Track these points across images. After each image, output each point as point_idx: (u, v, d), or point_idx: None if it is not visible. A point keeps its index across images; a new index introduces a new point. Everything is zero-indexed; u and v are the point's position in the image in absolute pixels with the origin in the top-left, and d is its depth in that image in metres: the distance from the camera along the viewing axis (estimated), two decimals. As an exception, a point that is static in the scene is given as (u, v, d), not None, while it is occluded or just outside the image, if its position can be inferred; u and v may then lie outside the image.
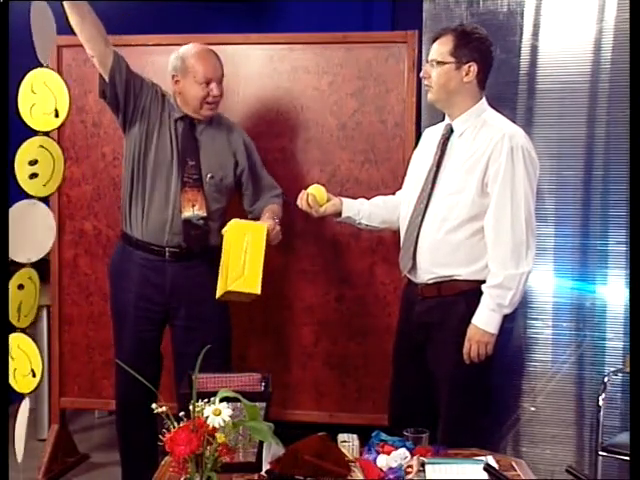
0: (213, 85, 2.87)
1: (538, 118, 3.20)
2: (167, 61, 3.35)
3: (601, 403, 2.93)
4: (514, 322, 3.25)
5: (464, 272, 2.56)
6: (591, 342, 3.19)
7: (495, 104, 3.15)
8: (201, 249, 2.92)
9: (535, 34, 3.19)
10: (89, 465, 3.71)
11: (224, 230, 2.80)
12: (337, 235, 3.29)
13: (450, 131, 2.63)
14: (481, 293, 2.53)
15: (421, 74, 2.65)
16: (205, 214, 2.89)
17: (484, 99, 2.65)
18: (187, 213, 2.88)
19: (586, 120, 3.15)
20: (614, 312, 3.15)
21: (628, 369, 2.89)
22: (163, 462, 2.11)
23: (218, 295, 2.73)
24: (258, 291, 2.67)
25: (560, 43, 3.15)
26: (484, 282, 2.54)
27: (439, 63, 2.56)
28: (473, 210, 2.54)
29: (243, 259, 2.66)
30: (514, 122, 3.10)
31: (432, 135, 2.75)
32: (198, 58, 2.90)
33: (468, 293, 2.55)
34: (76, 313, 3.47)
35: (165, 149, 2.90)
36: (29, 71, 2.93)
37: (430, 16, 3.29)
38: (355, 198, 2.97)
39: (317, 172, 3.31)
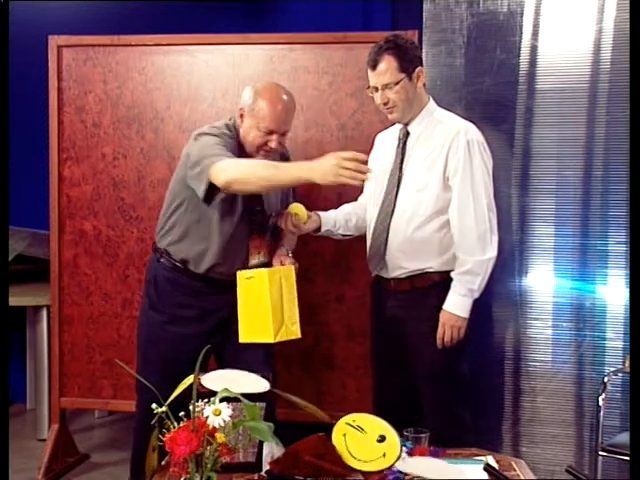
0: (274, 137, 2.65)
1: (538, 118, 3.20)
2: (167, 61, 3.37)
3: (601, 403, 2.93)
4: (514, 322, 3.26)
5: (435, 264, 2.68)
6: (591, 342, 3.19)
7: (495, 104, 3.16)
8: None
9: (535, 34, 3.19)
10: (89, 465, 3.71)
11: (247, 276, 2.62)
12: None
13: (406, 134, 2.73)
14: (450, 284, 2.63)
15: (379, 101, 2.66)
16: (267, 260, 2.75)
17: (431, 99, 2.75)
18: (253, 261, 2.73)
19: (586, 120, 3.15)
20: (614, 312, 3.16)
21: (628, 369, 2.89)
22: (163, 462, 2.11)
23: (246, 340, 2.62)
24: (300, 335, 2.63)
25: (560, 43, 3.15)
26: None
27: (396, 84, 2.63)
28: (438, 204, 2.65)
29: (281, 306, 2.58)
30: (513, 122, 3.13)
31: (386, 139, 2.85)
32: (270, 103, 2.64)
33: (439, 284, 2.67)
34: (76, 313, 3.47)
35: (241, 200, 2.70)
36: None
37: (430, 16, 3.30)
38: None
39: (317, 172, 3.30)
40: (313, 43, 3.32)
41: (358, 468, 2.08)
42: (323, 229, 2.86)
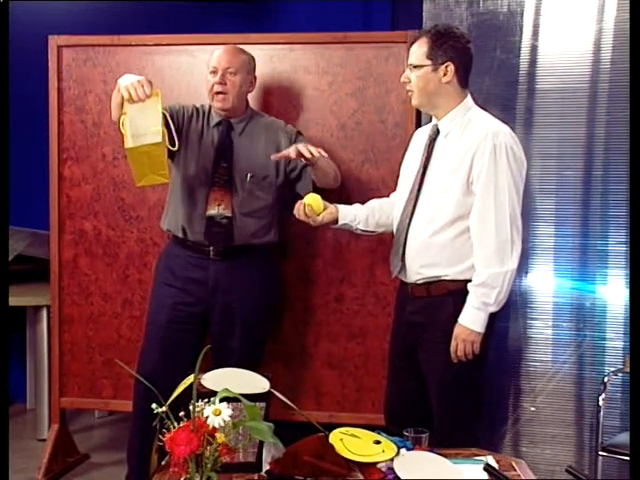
0: (218, 74, 2.92)
1: (538, 118, 3.20)
2: (167, 61, 3.39)
3: (601, 403, 2.93)
4: (514, 322, 3.26)
5: (451, 272, 2.58)
6: (591, 342, 3.19)
7: (495, 104, 3.16)
8: (224, 247, 2.97)
9: (535, 34, 3.19)
10: (89, 465, 3.71)
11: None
12: (337, 235, 3.29)
13: (437, 132, 2.65)
14: (468, 293, 2.54)
15: (402, 79, 2.65)
16: (230, 214, 2.94)
17: (469, 97, 2.65)
18: (211, 211, 2.95)
19: (586, 120, 3.15)
20: (614, 312, 3.15)
21: (628, 369, 2.89)
22: (163, 462, 2.11)
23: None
24: (167, 180, 2.83)
25: (560, 43, 3.15)
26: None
27: (416, 67, 2.58)
28: (459, 210, 2.55)
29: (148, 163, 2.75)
30: (513, 122, 3.10)
31: (422, 136, 2.77)
32: (217, 52, 2.97)
33: (456, 293, 2.56)
34: (76, 313, 3.47)
35: (206, 156, 2.97)
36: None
37: (430, 16, 3.29)
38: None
39: (317, 172, 3.30)
40: (313, 43, 3.31)
41: (358, 460, 2.08)
42: (340, 222, 2.81)
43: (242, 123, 3.03)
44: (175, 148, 2.80)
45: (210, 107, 3.05)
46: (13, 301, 3.73)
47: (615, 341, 3.15)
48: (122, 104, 2.73)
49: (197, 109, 3.07)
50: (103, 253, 3.43)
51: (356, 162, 3.30)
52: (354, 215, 2.82)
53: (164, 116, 2.75)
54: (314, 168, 2.91)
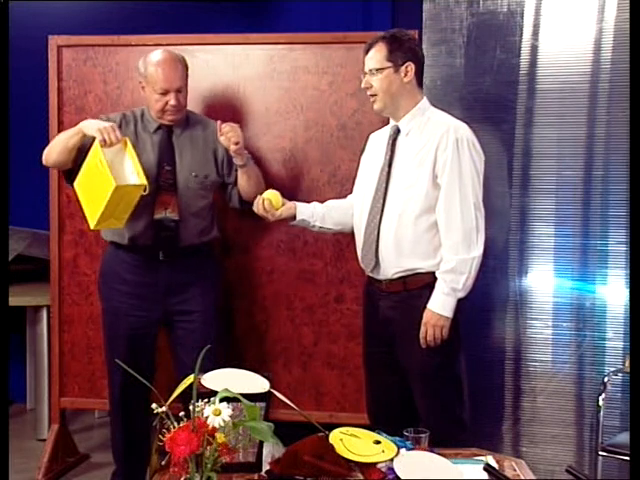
0: (171, 96, 2.88)
1: (538, 118, 3.20)
2: (167, 61, 3.37)
3: (601, 403, 2.93)
4: (514, 322, 3.26)
5: (426, 265, 2.65)
6: (591, 342, 3.19)
7: (495, 104, 3.16)
8: (172, 249, 2.97)
9: (535, 34, 3.19)
10: (89, 465, 3.72)
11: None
12: (337, 235, 3.28)
13: (397, 131, 2.73)
14: None
15: (363, 85, 2.72)
16: (177, 217, 2.94)
17: (425, 98, 2.74)
18: (158, 215, 2.94)
19: (586, 120, 3.15)
20: (614, 312, 3.16)
21: (628, 369, 2.89)
22: (163, 462, 2.11)
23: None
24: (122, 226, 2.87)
25: (560, 43, 3.16)
26: None
27: (378, 70, 2.66)
28: (427, 202, 2.63)
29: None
30: (514, 122, 3.11)
31: (378, 139, 2.86)
32: (157, 67, 2.89)
33: (432, 285, 2.63)
34: (76, 313, 3.47)
35: (147, 161, 2.91)
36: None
37: (430, 16, 3.30)
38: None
39: (317, 172, 3.31)
40: (313, 43, 3.31)
41: (358, 460, 2.08)
42: (298, 218, 2.87)
43: (179, 126, 3.01)
44: (147, 192, 2.79)
45: (143, 112, 3.02)
46: (13, 301, 3.73)
47: (615, 341, 3.15)
48: (78, 148, 2.83)
49: (125, 115, 3.02)
50: (103, 253, 3.42)
51: (356, 162, 3.28)
52: (311, 212, 2.89)
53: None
54: (243, 172, 2.99)
